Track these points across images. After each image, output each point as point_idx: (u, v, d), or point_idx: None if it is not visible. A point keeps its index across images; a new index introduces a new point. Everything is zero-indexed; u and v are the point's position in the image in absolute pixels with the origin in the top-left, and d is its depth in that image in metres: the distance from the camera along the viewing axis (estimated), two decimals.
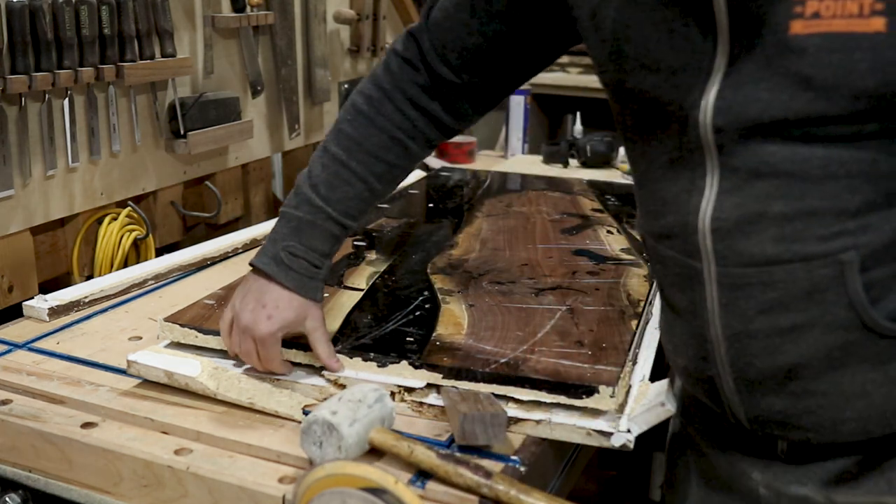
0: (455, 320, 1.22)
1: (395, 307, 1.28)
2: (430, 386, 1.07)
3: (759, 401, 0.89)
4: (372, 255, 1.52)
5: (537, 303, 1.29)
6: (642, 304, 1.30)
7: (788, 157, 0.80)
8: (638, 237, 1.62)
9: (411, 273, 1.44)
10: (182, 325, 1.19)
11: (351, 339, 1.16)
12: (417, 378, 1.08)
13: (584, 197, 1.96)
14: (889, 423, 0.85)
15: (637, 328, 1.22)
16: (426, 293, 1.34)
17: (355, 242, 1.59)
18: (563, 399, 1.02)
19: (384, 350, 1.13)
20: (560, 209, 1.85)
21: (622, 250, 1.57)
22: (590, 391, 1.00)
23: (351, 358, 1.12)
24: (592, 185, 2.09)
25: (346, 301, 1.29)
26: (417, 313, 1.25)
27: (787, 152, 0.80)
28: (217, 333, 1.16)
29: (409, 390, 1.08)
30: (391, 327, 1.20)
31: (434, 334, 1.17)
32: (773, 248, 0.83)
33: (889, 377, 0.83)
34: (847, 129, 0.78)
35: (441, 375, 1.07)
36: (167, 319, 1.20)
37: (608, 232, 1.69)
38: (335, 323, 1.21)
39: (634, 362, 1.16)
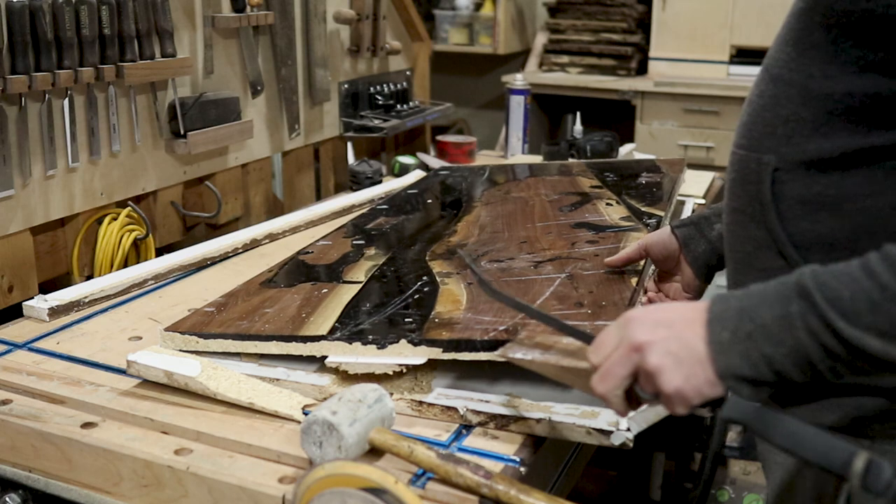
0: (454, 299, 1.22)
1: (394, 294, 1.28)
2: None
3: (726, 272, 1.02)
4: (371, 251, 1.52)
5: (536, 274, 1.29)
6: (643, 262, 1.30)
7: (773, 54, 0.94)
8: (640, 207, 1.62)
9: (410, 262, 1.44)
10: (182, 333, 1.19)
11: (350, 327, 1.16)
12: (417, 355, 1.08)
13: (582, 177, 1.95)
14: None
15: (637, 284, 1.21)
16: (425, 278, 1.33)
17: (354, 241, 1.59)
18: (568, 342, 0.96)
19: (383, 333, 1.12)
20: (558, 190, 1.84)
21: (622, 219, 1.56)
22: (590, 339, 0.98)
23: (350, 343, 1.11)
24: (591, 165, 2.08)
25: (345, 294, 1.29)
26: (416, 297, 1.25)
27: (776, 49, 0.94)
28: (218, 336, 1.16)
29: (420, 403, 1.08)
30: (390, 312, 1.20)
31: (433, 313, 1.17)
32: (741, 133, 0.97)
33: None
34: (804, 34, 0.89)
35: (440, 349, 1.07)
36: (168, 329, 1.20)
37: (607, 204, 1.68)
38: (333, 315, 1.21)
39: None
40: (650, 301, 1.29)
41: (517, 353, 0.98)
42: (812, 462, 0.77)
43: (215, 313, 1.26)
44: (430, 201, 1.93)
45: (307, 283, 1.36)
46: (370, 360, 1.09)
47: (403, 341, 1.09)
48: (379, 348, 1.10)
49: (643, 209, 1.61)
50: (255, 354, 1.17)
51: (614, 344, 0.83)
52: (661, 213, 1.57)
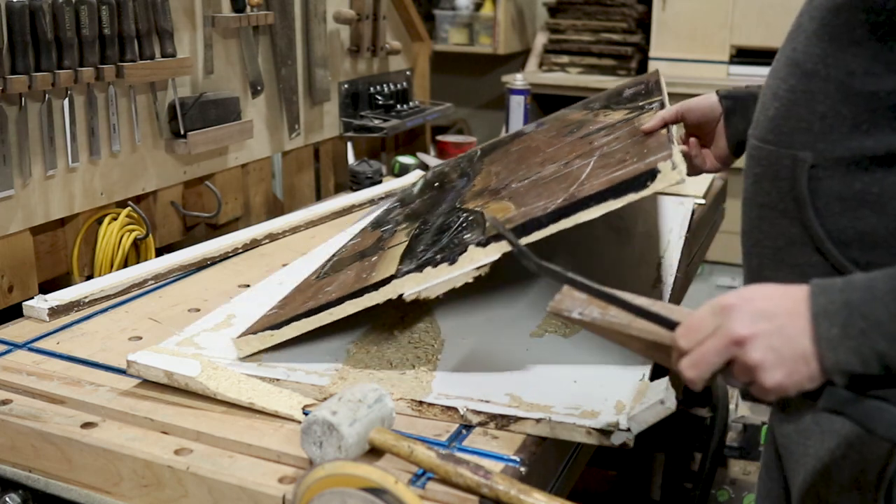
0: (502, 208, 1.22)
1: (443, 230, 1.27)
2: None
3: (745, 273, 1.04)
4: (402, 226, 1.51)
5: (570, 167, 1.27)
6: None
7: (802, 46, 0.93)
8: (638, 103, 1.59)
9: (444, 214, 1.42)
10: (255, 333, 1.19)
11: (414, 261, 1.15)
12: (490, 254, 1.07)
13: (573, 112, 1.94)
14: None
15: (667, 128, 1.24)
16: (465, 214, 1.32)
17: (382, 229, 1.57)
18: (631, 197, 1.00)
19: (449, 252, 1.11)
20: (554, 128, 1.83)
21: (626, 114, 1.54)
22: (652, 174, 1.00)
23: (421, 272, 1.10)
24: (573, 108, 2.04)
25: (396, 251, 1.28)
26: (464, 224, 1.24)
27: (804, 41, 0.93)
28: (291, 321, 1.16)
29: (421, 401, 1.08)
30: (446, 240, 1.20)
31: (486, 224, 1.15)
32: (768, 127, 0.97)
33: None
34: (840, 29, 0.88)
35: (508, 241, 1.04)
36: (240, 336, 1.19)
37: (605, 115, 1.65)
38: (394, 263, 1.20)
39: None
40: (686, 151, 1.30)
41: (574, 311, 0.92)
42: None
43: (279, 311, 1.26)
44: (437, 184, 1.91)
45: (356, 262, 1.35)
46: (447, 277, 1.08)
47: (471, 247, 1.08)
48: (450, 264, 1.09)
49: (641, 103, 1.58)
50: (258, 354, 1.17)
51: (709, 331, 0.81)
52: (660, 98, 1.52)
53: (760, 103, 1.03)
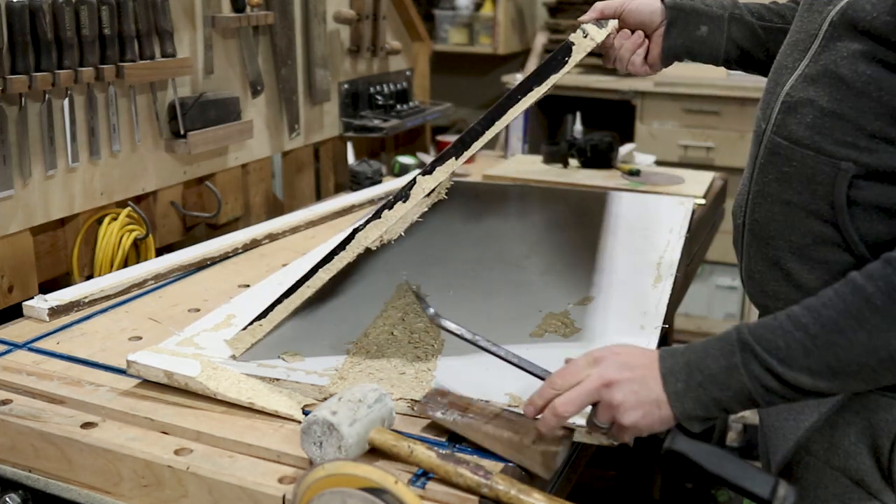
0: None
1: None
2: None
3: (750, 259, 1.09)
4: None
5: None
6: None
7: (847, 63, 0.96)
8: None
9: None
10: (244, 329, 1.18)
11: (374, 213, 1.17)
12: (437, 177, 1.11)
13: None
14: None
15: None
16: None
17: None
18: (553, 77, 1.09)
19: (403, 192, 1.13)
20: None
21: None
22: (566, 49, 1.11)
23: (380, 216, 1.11)
24: None
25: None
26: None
27: (849, 59, 0.96)
28: (274, 305, 1.16)
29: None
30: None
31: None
32: (803, 132, 1.00)
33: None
34: (892, 57, 0.92)
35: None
36: (231, 339, 1.19)
37: None
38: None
39: None
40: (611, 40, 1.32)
41: (437, 413, 1.02)
42: (741, 489, 0.92)
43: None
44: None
45: None
46: (403, 213, 1.10)
47: (418, 177, 1.11)
48: (404, 201, 1.11)
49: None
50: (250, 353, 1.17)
51: (583, 376, 0.94)
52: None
53: (785, 104, 1.04)
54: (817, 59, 1.01)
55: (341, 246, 1.13)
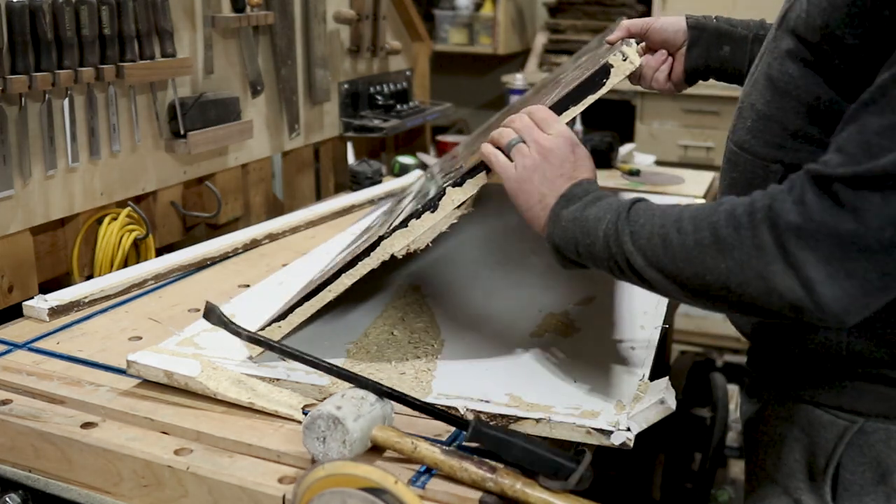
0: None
1: (426, 195, 1.27)
2: None
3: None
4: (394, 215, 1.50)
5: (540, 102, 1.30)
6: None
7: (777, 64, 0.99)
8: None
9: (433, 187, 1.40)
10: (263, 329, 1.18)
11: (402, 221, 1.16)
12: (467, 191, 1.11)
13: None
14: None
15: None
16: (445, 174, 1.35)
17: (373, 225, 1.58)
18: (589, 99, 1.08)
19: (432, 202, 1.13)
20: (535, 89, 1.78)
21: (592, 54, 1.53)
22: (605, 71, 1.08)
23: (407, 226, 1.11)
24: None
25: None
26: (446, 181, 1.24)
27: (779, 59, 0.98)
28: (294, 307, 1.16)
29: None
30: (430, 197, 1.19)
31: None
32: (744, 136, 1.04)
33: None
34: (810, 56, 0.93)
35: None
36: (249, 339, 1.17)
37: (576, 61, 1.63)
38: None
39: None
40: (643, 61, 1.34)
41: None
42: (540, 471, 0.91)
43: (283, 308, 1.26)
44: (429, 175, 1.90)
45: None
46: (431, 224, 1.11)
47: (448, 189, 1.11)
48: (433, 212, 1.11)
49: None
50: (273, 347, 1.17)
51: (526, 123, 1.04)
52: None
53: (739, 109, 1.08)
54: (759, 64, 1.04)
55: (366, 252, 1.13)
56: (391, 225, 1.14)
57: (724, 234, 0.83)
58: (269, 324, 1.18)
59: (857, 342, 0.96)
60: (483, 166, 1.09)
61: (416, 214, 1.11)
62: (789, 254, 0.79)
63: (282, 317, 1.17)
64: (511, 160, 1.04)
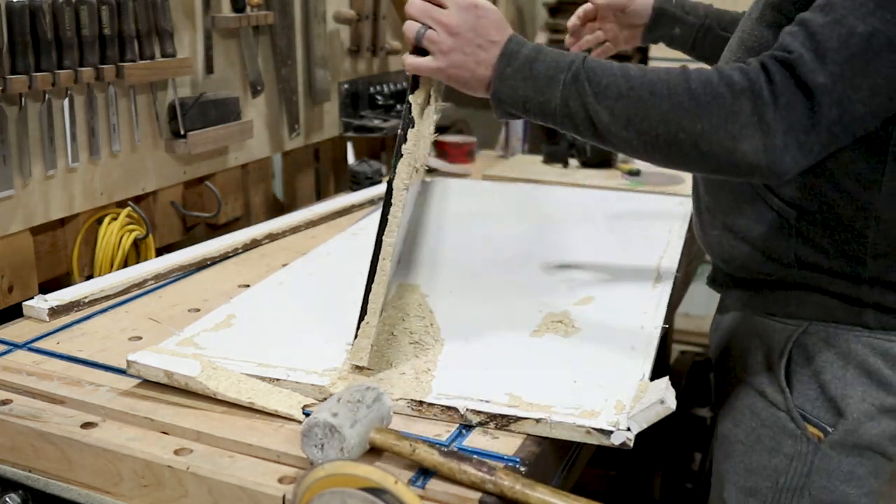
0: None
1: None
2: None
3: (701, 232, 1.28)
4: None
5: None
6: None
7: (749, 28, 1.13)
8: None
9: None
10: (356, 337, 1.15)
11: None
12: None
13: None
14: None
15: None
16: None
17: None
18: None
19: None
20: None
21: None
22: None
23: (402, 155, 1.12)
24: None
25: None
26: None
27: (752, 25, 1.12)
28: (364, 302, 1.14)
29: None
30: None
31: None
32: None
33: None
34: (781, 19, 1.04)
35: None
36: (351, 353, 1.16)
37: None
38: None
39: None
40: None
41: None
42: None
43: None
44: None
45: None
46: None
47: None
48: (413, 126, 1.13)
49: None
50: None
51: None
52: None
53: None
54: (736, 34, 1.20)
55: (387, 204, 1.12)
56: (392, 167, 1.14)
57: (704, 100, 0.95)
58: (358, 328, 1.14)
59: (803, 250, 1.13)
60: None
61: (402, 139, 1.12)
62: (763, 122, 0.93)
63: (362, 315, 1.14)
64: (428, 51, 1.07)
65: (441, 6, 1.06)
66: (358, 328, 1.14)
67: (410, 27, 1.08)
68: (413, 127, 1.11)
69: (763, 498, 1.18)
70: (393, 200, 1.12)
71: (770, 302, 1.19)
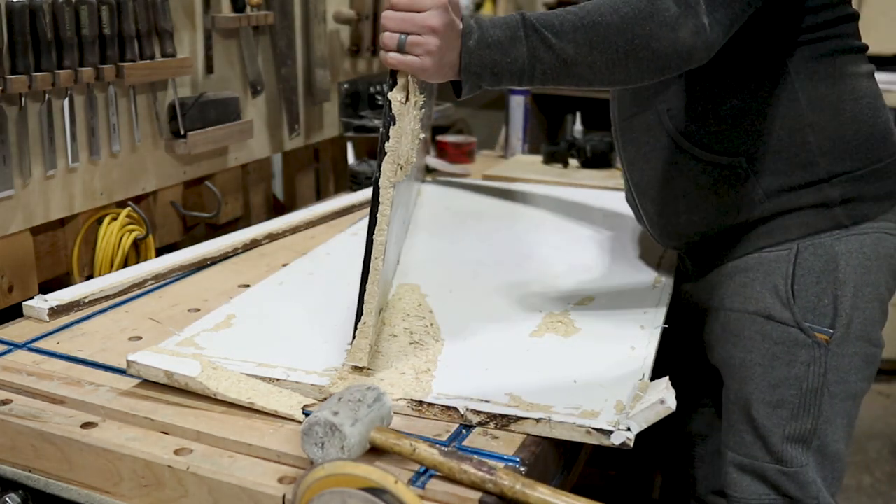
0: None
1: None
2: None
3: (641, 209, 1.42)
4: None
5: None
6: None
7: None
8: None
9: None
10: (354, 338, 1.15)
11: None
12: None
13: None
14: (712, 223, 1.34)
15: None
16: None
17: None
18: None
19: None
20: None
21: None
22: None
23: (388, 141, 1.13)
24: None
25: None
26: None
27: None
28: (360, 298, 1.14)
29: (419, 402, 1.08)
30: None
31: None
32: (630, 102, 1.39)
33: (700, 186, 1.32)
34: None
35: None
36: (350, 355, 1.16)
37: None
38: None
39: None
40: None
41: None
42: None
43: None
44: None
45: None
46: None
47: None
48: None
49: None
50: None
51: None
52: None
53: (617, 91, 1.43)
54: None
55: (375, 203, 1.12)
56: (377, 165, 1.14)
57: (641, 5, 1.09)
58: (355, 327, 1.14)
59: (766, 181, 1.28)
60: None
61: (385, 137, 1.12)
62: (689, 8, 1.09)
63: (358, 316, 1.14)
64: (408, 51, 1.10)
65: (419, 10, 1.09)
66: (356, 329, 1.14)
67: (390, 38, 1.10)
68: (395, 124, 1.11)
69: (790, 405, 1.29)
70: (380, 199, 1.12)
71: (755, 240, 1.32)
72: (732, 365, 1.34)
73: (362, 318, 1.14)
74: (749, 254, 1.32)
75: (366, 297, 1.14)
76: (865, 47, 1.31)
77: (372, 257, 1.13)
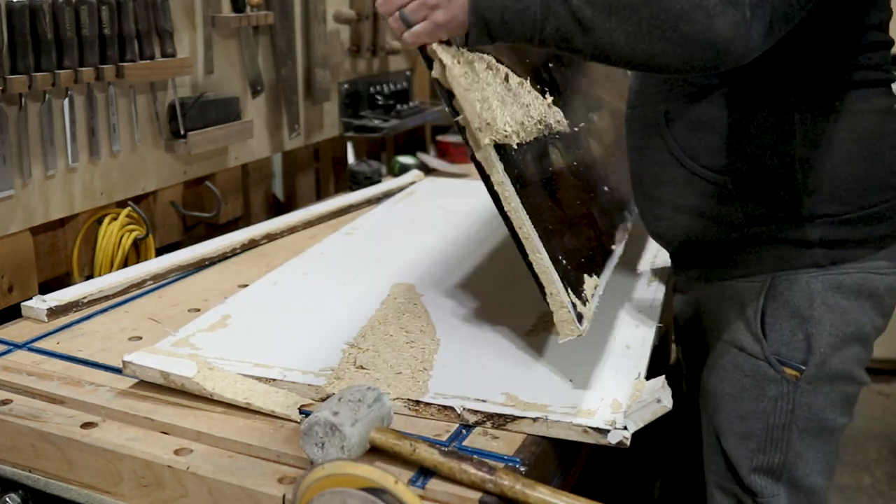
0: None
1: None
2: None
3: (653, 225, 1.38)
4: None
5: None
6: None
7: None
8: None
9: None
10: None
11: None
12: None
13: None
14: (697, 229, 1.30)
15: None
16: None
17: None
18: None
19: None
20: None
21: None
22: None
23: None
24: None
25: None
26: None
27: None
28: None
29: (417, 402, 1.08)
30: None
31: None
32: (634, 97, 1.36)
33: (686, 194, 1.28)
34: None
35: None
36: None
37: None
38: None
39: None
40: None
41: None
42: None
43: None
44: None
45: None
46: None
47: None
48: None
49: None
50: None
51: None
52: None
53: (630, 80, 1.39)
54: None
55: (485, 178, 1.08)
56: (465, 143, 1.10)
57: None
58: (546, 303, 1.10)
59: (748, 207, 1.24)
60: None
61: (453, 116, 1.07)
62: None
63: (541, 288, 1.09)
64: (414, 20, 1.06)
65: None
66: (547, 304, 1.09)
67: (394, 21, 1.08)
68: (454, 97, 1.06)
69: (758, 439, 1.28)
70: (487, 171, 1.08)
71: (730, 267, 1.29)
72: (707, 391, 1.33)
73: (546, 290, 1.08)
74: (725, 280, 1.30)
75: (535, 269, 1.09)
76: (890, 80, 1.23)
77: (516, 228, 1.08)
